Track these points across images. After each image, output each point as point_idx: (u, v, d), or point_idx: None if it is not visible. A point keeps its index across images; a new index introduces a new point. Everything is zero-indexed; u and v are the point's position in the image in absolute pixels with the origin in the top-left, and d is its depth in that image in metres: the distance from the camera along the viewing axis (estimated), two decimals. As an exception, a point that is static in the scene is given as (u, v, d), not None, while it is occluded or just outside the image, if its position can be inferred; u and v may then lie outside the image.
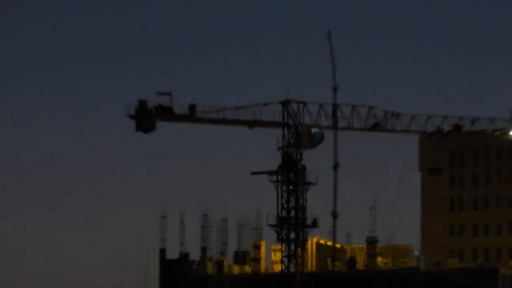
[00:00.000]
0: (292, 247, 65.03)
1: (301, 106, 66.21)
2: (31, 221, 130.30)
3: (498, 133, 73.32)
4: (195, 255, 76.33)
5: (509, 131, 72.86)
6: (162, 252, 74.71)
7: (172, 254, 75.64)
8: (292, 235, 64.97)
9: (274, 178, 65.00)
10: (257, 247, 75.73)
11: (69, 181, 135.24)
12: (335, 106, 60.45)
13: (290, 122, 65.21)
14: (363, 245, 76.44)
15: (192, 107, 63.05)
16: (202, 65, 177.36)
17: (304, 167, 65.48)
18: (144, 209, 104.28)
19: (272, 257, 76.11)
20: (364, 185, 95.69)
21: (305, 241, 66.83)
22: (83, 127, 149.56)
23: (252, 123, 64.59)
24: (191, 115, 63.37)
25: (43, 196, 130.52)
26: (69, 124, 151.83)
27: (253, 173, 64.66)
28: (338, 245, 70.61)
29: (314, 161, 67.97)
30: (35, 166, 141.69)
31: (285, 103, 65.07)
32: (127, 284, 66.24)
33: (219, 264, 73.49)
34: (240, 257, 74.96)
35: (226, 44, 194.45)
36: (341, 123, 64.38)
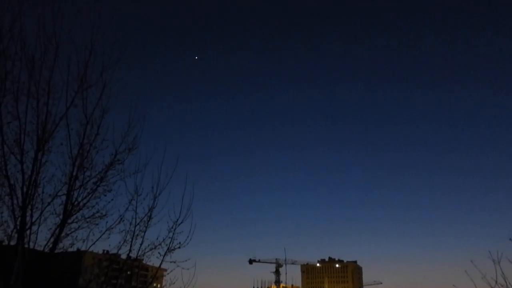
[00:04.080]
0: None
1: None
2: None
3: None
4: None
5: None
6: None
7: None
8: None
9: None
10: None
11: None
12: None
13: (274, 261, 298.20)
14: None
15: (254, 260, 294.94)
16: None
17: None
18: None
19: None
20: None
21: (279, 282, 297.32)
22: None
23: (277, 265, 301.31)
24: (255, 261, 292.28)
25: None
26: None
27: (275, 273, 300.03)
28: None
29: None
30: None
31: (277, 261, 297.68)
32: None
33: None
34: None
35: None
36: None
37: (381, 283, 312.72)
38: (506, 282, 12.43)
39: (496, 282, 12.41)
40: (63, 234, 11.29)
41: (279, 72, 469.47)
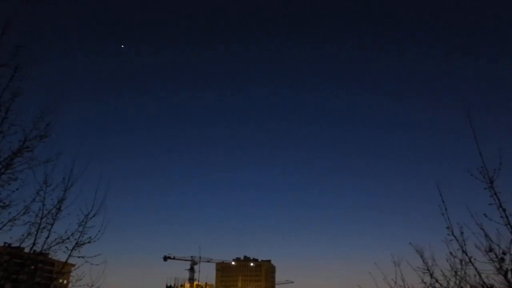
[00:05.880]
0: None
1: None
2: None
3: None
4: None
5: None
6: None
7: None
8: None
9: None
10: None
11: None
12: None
13: (189, 258, 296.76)
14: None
15: (168, 257, 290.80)
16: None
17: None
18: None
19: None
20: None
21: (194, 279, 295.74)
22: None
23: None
24: (170, 258, 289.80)
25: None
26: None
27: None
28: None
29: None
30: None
31: (193, 259, 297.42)
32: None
33: (182, 286, 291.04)
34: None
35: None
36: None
37: (293, 282, 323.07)
38: (404, 283, 13.42)
39: (396, 283, 13.37)
40: (-43, 224, 10.38)
41: (201, 71, 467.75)
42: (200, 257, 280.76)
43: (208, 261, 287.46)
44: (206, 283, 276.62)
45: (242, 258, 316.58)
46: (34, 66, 12.03)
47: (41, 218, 11.37)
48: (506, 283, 8.71)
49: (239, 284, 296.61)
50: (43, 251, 11.53)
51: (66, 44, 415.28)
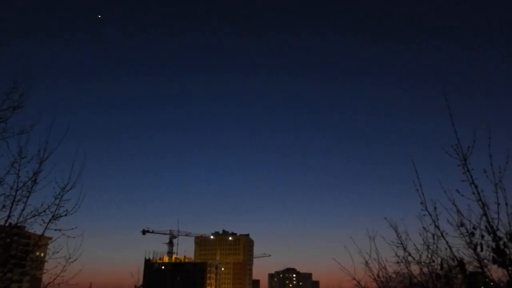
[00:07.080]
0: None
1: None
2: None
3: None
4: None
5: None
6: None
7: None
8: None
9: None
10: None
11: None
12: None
13: (168, 232, 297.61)
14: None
15: (147, 231, 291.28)
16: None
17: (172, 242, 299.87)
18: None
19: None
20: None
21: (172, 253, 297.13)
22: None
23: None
24: (149, 232, 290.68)
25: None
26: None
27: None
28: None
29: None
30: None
31: (172, 233, 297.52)
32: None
33: (161, 259, 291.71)
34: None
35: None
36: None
37: (270, 255, 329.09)
38: (378, 256, 13.78)
39: (370, 256, 13.71)
40: None
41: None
42: (178, 231, 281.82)
43: (187, 235, 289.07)
44: (185, 256, 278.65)
45: (220, 232, 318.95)
46: (7, 35, 11.61)
47: (16, 191, 11.18)
48: (475, 256, 9.00)
49: (218, 258, 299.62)
50: (18, 224, 11.39)
51: (42, 14, 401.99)
